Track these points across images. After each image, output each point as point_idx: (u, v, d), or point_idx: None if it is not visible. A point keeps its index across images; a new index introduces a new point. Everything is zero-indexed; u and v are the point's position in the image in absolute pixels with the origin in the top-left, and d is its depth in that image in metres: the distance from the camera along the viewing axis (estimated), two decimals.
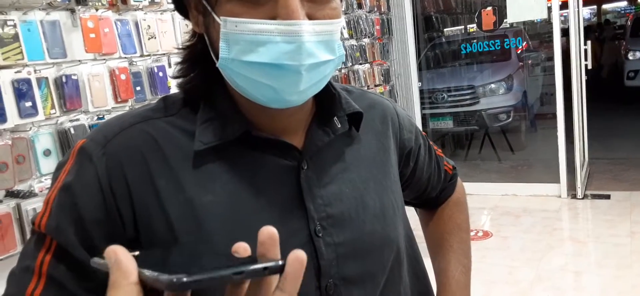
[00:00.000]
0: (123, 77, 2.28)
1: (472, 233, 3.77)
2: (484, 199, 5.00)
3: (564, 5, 4.76)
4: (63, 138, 2.05)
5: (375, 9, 4.69)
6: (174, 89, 2.31)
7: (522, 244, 4.02)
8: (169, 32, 2.51)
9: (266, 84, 0.66)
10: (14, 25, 1.89)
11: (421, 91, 5.57)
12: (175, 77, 0.76)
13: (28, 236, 1.09)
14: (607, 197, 4.72)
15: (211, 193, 0.69)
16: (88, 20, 2.14)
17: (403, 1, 5.02)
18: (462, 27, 7.49)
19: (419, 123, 5.34)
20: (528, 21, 6.17)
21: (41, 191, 1.97)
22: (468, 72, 6.46)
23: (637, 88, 8.94)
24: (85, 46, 2.13)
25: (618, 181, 5.13)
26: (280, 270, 0.41)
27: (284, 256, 0.41)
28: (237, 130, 0.70)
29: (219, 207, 0.68)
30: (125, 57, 2.32)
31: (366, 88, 4.27)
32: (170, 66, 2.49)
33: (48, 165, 1.99)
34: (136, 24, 2.37)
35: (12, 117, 1.87)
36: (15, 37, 1.89)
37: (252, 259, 0.41)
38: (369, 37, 4.55)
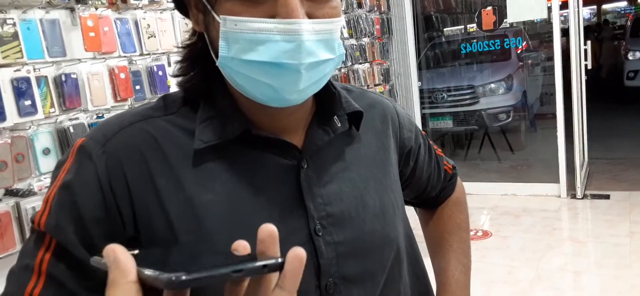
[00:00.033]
0: (122, 76, 2.28)
1: (471, 233, 3.78)
2: (483, 199, 5.00)
3: (564, 5, 4.76)
4: (62, 137, 2.05)
5: (375, 9, 4.69)
6: (173, 88, 2.31)
7: (522, 244, 4.02)
8: (169, 31, 2.51)
9: (266, 82, 0.66)
10: (14, 24, 1.89)
11: (421, 91, 5.57)
12: (175, 76, 0.76)
13: (27, 234, 1.09)
14: (607, 197, 4.73)
15: (211, 191, 0.69)
16: (88, 19, 2.14)
17: (403, 1, 5.02)
18: (462, 26, 7.49)
19: (418, 123, 5.34)
20: (528, 21, 6.17)
21: (40, 190, 1.96)
22: (468, 72, 6.46)
23: (636, 88, 8.94)
24: (84, 45, 2.13)
25: (617, 181, 5.13)
26: (279, 267, 0.40)
27: (283, 254, 0.41)
28: (237, 129, 0.70)
29: (218, 206, 0.68)
30: (125, 56, 2.32)
31: (366, 87, 4.27)
32: (169, 64, 2.49)
33: (47, 164, 1.99)
34: (136, 23, 2.37)
35: (12, 115, 1.87)
36: (15, 36, 1.89)
37: (252, 257, 0.41)
38: (368, 36, 4.55)
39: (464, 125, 6.31)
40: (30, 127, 1.96)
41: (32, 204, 1.91)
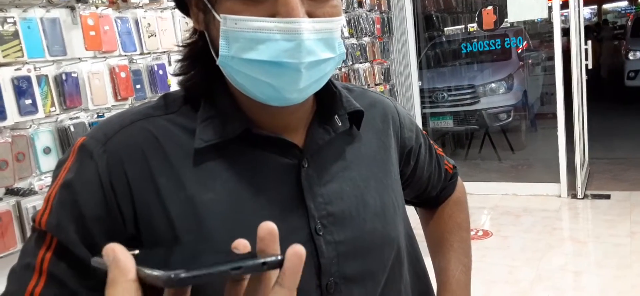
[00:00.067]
0: (123, 75, 2.28)
1: (472, 233, 3.78)
2: (484, 198, 5.00)
3: (564, 5, 4.76)
4: (63, 136, 2.05)
5: (376, 8, 4.69)
6: (174, 87, 2.30)
7: (522, 243, 4.02)
8: (169, 30, 2.51)
9: (266, 81, 0.66)
10: (14, 23, 1.89)
11: (421, 90, 5.57)
12: (175, 75, 0.76)
13: (28, 233, 1.09)
14: (607, 197, 4.73)
15: (212, 190, 0.69)
16: (88, 17, 2.14)
17: (403, 0, 5.01)
18: (463, 26, 7.48)
19: (419, 122, 5.34)
20: (528, 21, 6.17)
21: (41, 189, 1.97)
22: (468, 71, 6.45)
23: (637, 88, 8.94)
24: (85, 44, 2.13)
25: (618, 181, 5.13)
26: (279, 264, 0.40)
27: (283, 253, 0.41)
28: (238, 128, 0.70)
29: (219, 205, 0.68)
30: (125, 55, 2.32)
31: (366, 87, 4.26)
32: (170, 64, 2.49)
33: (48, 163, 1.99)
34: (136, 22, 2.37)
35: (12, 114, 1.87)
36: (15, 35, 1.89)
37: (252, 255, 0.41)
38: (369, 36, 4.54)
39: (464, 125, 6.31)
40: (30, 126, 1.96)
41: (33, 204, 1.91)
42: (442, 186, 1.06)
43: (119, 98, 2.26)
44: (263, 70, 0.65)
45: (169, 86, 2.46)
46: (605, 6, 20.05)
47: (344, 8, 3.92)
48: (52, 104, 2.01)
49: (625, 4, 20.24)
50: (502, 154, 6.33)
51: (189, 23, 0.75)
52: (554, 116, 4.80)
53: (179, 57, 0.77)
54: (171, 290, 0.44)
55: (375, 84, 4.62)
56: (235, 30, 0.65)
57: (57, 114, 2.04)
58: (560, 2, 4.59)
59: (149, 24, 2.40)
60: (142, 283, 0.39)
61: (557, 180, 4.89)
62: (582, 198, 4.78)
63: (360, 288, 0.76)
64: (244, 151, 0.72)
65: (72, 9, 2.12)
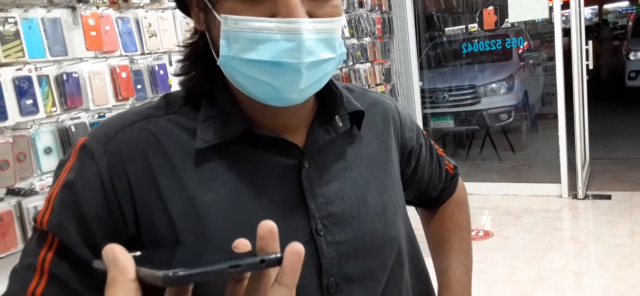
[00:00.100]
0: (124, 75, 2.28)
1: (473, 233, 3.78)
2: (485, 199, 5.00)
3: (565, 5, 4.76)
4: (64, 136, 2.05)
5: (377, 8, 4.69)
6: (174, 87, 2.31)
7: (523, 244, 4.02)
8: (170, 30, 2.51)
9: (266, 82, 0.66)
10: (15, 23, 1.89)
11: (422, 91, 5.57)
12: (176, 75, 0.76)
13: (29, 234, 1.09)
14: (608, 197, 4.72)
15: (212, 191, 0.69)
16: (89, 18, 2.14)
17: (404, 0, 5.01)
18: (464, 26, 7.48)
19: (420, 123, 5.34)
20: (529, 21, 6.17)
21: (42, 189, 1.97)
22: (469, 71, 6.45)
23: (638, 88, 8.94)
24: (86, 44, 2.13)
25: (619, 182, 5.13)
26: (278, 262, 0.40)
27: (283, 252, 0.41)
28: (239, 128, 0.70)
29: (220, 205, 0.68)
30: (126, 55, 2.32)
31: (367, 87, 4.27)
32: (171, 64, 2.49)
33: (49, 163, 1.99)
34: (137, 22, 2.37)
35: (13, 115, 1.88)
36: (16, 35, 1.89)
37: (253, 254, 0.41)
38: (370, 36, 4.55)
39: (465, 125, 6.31)
40: (31, 126, 1.96)
41: (34, 204, 1.91)
42: (442, 186, 1.06)
43: (120, 98, 2.27)
44: (263, 70, 0.65)
45: (170, 86, 2.46)
46: (606, 6, 20.03)
47: (344, 8, 3.93)
48: (53, 104, 2.01)
49: (626, 4, 20.22)
50: (503, 155, 6.33)
51: (190, 23, 0.75)
52: (555, 116, 4.80)
53: (180, 57, 0.77)
54: (172, 289, 0.44)
55: (376, 85, 4.62)
56: (235, 31, 0.65)
57: (58, 114, 2.04)
58: (561, 3, 4.59)
59: (149, 24, 2.41)
60: (142, 283, 0.39)
61: (558, 180, 4.89)
62: (583, 199, 4.77)
63: (360, 289, 0.76)
64: (245, 151, 0.72)
65: (73, 9, 2.12)
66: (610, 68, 10.56)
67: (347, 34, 4.22)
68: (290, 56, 0.63)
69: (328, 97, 0.77)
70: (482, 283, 3.39)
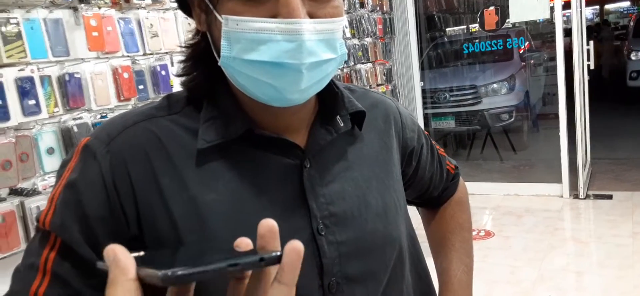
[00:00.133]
0: (126, 75, 2.28)
1: (474, 233, 3.78)
2: (486, 199, 5.00)
3: (566, 5, 4.76)
4: (66, 136, 2.05)
5: (378, 9, 4.69)
6: (176, 88, 2.31)
7: (524, 244, 4.02)
8: (172, 31, 2.51)
9: (267, 82, 0.66)
10: (17, 24, 1.90)
11: (423, 91, 5.57)
12: (178, 76, 0.76)
13: (32, 233, 1.09)
14: (609, 197, 4.72)
15: (214, 191, 0.69)
16: (91, 18, 2.15)
17: (405, 1, 5.01)
18: (465, 26, 7.48)
19: (421, 123, 5.33)
20: (530, 21, 6.16)
21: (45, 189, 1.97)
22: (470, 72, 6.45)
23: (639, 88, 8.93)
24: (88, 44, 2.14)
25: (620, 181, 5.12)
26: (277, 261, 0.40)
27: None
28: (240, 128, 0.70)
29: (221, 205, 0.69)
30: (128, 56, 2.32)
31: (368, 87, 4.26)
32: (172, 64, 2.50)
33: (51, 163, 2.00)
34: (139, 23, 2.38)
35: (16, 115, 1.88)
36: (19, 36, 1.90)
37: (254, 253, 0.42)
38: (371, 36, 4.55)
39: (466, 125, 6.31)
40: (34, 126, 1.97)
41: (37, 204, 1.92)
42: (443, 186, 1.06)
43: (122, 99, 2.27)
44: (264, 71, 0.65)
45: (172, 87, 2.46)
46: (607, 6, 20.00)
47: (346, 9, 3.92)
48: (56, 105, 2.01)
49: (627, 4, 20.19)
50: (504, 155, 6.33)
51: (192, 24, 0.75)
52: (556, 116, 4.80)
53: (182, 58, 0.77)
54: (174, 289, 0.44)
55: (377, 85, 4.62)
56: (236, 31, 0.65)
57: (61, 115, 2.05)
58: (562, 3, 4.59)
59: (151, 24, 2.41)
60: (144, 283, 0.39)
61: (559, 180, 4.88)
62: (584, 198, 4.77)
63: (362, 288, 0.76)
64: (246, 151, 0.72)
65: (75, 9, 2.13)
66: (612, 68, 10.55)
67: (348, 35, 4.22)
68: (291, 56, 0.64)
69: (329, 98, 0.78)
70: (483, 283, 3.39)
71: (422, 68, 5.70)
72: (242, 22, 0.64)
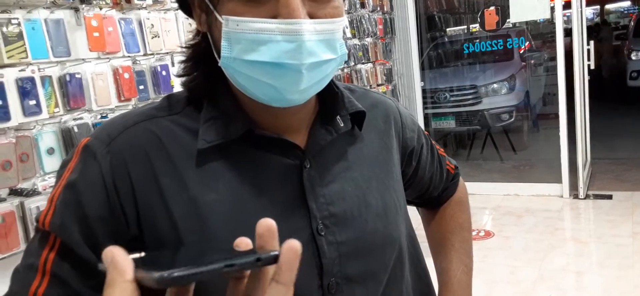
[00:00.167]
0: (126, 76, 2.29)
1: (473, 233, 3.78)
2: (486, 199, 4.99)
3: (566, 5, 4.76)
4: (67, 137, 2.05)
5: (378, 9, 4.69)
6: (177, 88, 2.31)
7: (524, 244, 4.02)
8: (173, 31, 2.51)
9: (267, 83, 0.66)
10: (18, 24, 1.90)
11: (423, 91, 5.57)
12: (179, 76, 0.77)
13: (31, 234, 1.09)
14: (609, 197, 4.72)
15: (214, 191, 0.69)
16: (92, 19, 2.15)
17: (406, 1, 5.01)
18: (465, 26, 7.48)
19: (421, 123, 5.33)
20: (531, 21, 6.16)
21: (45, 190, 1.97)
22: (470, 72, 6.45)
23: (639, 88, 8.93)
24: (89, 45, 2.14)
25: (620, 181, 5.12)
26: (274, 260, 0.40)
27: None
28: (240, 128, 0.71)
29: (222, 206, 0.69)
30: (129, 56, 2.33)
31: (369, 87, 4.26)
32: (173, 64, 2.50)
33: (52, 163, 2.00)
34: (140, 23, 2.38)
35: (16, 115, 1.88)
36: (20, 36, 1.90)
37: (253, 253, 0.42)
38: (371, 36, 4.55)
39: (466, 125, 6.31)
40: (34, 127, 1.97)
41: (37, 204, 1.92)
42: (443, 186, 1.06)
43: (123, 99, 2.27)
44: (264, 71, 0.65)
45: (172, 87, 2.46)
46: (608, 6, 19.98)
47: (346, 9, 3.93)
48: (56, 105, 2.01)
49: (628, 4, 20.18)
50: (504, 155, 6.33)
51: (192, 24, 0.75)
52: (556, 116, 4.80)
53: (182, 58, 0.77)
54: (173, 290, 0.44)
55: (378, 85, 4.62)
56: (236, 32, 0.65)
57: (61, 115, 2.05)
58: (563, 3, 4.59)
59: (152, 25, 2.41)
60: (142, 284, 0.39)
61: (559, 180, 4.88)
62: (584, 198, 4.77)
63: (361, 289, 0.76)
64: (247, 151, 0.72)
65: (76, 10, 2.13)
66: (612, 68, 10.55)
67: (348, 35, 4.22)
68: (291, 56, 0.64)
69: (329, 98, 0.78)
70: (483, 283, 3.39)
71: (422, 68, 5.70)
72: (243, 22, 0.64)
